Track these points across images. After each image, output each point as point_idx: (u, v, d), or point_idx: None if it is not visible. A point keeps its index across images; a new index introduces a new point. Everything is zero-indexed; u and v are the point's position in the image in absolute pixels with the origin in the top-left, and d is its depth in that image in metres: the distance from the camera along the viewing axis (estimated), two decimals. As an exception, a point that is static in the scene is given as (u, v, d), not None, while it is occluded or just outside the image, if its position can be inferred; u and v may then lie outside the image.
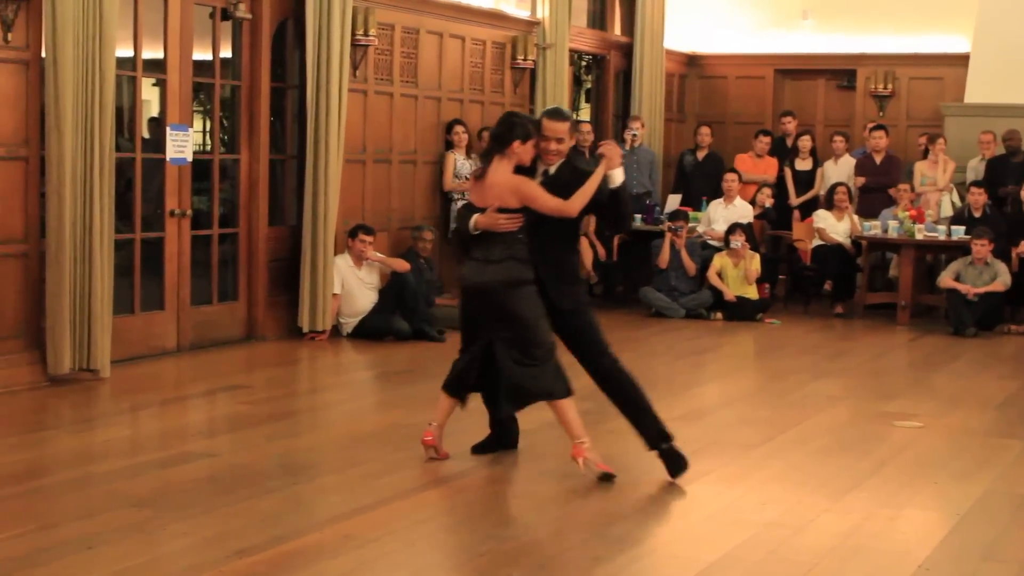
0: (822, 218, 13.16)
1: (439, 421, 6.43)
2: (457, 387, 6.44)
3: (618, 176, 6.17)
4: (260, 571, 4.78)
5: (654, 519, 5.78)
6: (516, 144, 6.13)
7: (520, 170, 6.19)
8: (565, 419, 6.12)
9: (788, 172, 14.15)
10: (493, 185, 6.13)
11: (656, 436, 6.27)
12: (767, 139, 14.34)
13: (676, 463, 6.22)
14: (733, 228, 12.48)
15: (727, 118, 16.26)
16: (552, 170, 6.23)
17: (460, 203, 11.75)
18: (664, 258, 12.46)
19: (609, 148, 6.24)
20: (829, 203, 13.31)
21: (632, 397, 6.31)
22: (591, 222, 12.26)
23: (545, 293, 6.18)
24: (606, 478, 6.08)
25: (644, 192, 13.56)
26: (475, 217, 6.21)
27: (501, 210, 6.10)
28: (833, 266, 12.94)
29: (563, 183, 6.15)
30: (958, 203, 13.42)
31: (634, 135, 13.68)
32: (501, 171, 6.15)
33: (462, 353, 6.43)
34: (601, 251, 12.95)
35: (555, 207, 6.07)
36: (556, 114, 6.31)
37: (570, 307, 6.24)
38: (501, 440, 6.65)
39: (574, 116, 6.25)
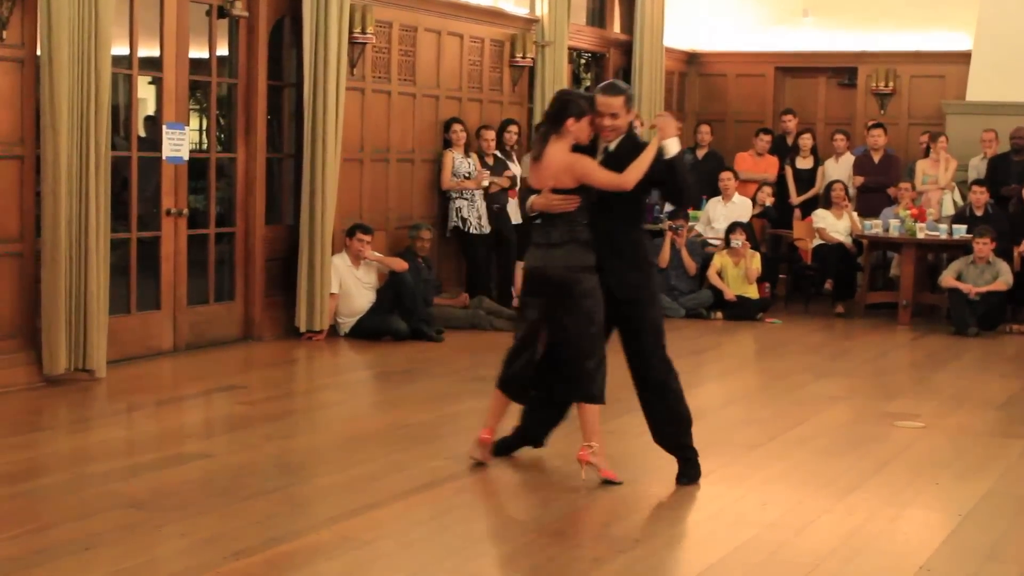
0: (821, 217, 13.17)
1: (493, 424, 6.33)
2: (513, 387, 6.33)
3: (673, 146, 6.00)
4: (257, 572, 4.78)
5: (654, 520, 5.77)
6: (570, 122, 6.01)
7: (581, 149, 6.07)
8: (588, 420, 6.07)
9: (789, 170, 14.16)
10: (548, 165, 6.03)
11: (678, 447, 6.24)
12: (767, 137, 14.34)
13: (690, 471, 6.18)
14: (733, 227, 12.48)
15: (727, 116, 16.26)
16: (612, 146, 6.09)
17: (458, 202, 11.77)
18: (664, 257, 12.46)
19: (663, 119, 6.10)
20: (826, 202, 13.33)
21: (674, 414, 6.21)
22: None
23: (605, 280, 6.04)
24: (608, 483, 6.07)
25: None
26: (531, 199, 6.13)
27: (557, 191, 5.99)
28: (834, 265, 12.95)
29: (624, 158, 6.01)
30: (960, 202, 13.42)
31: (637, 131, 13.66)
32: (556, 150, 6.03)
33: (518, 348, 6.27)
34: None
35: (609, 181, 5.96)
36: (610, 88, 6.15)
37: (631, 297, 6.08)
38: (528, 437, 6.53)
39: (630, 90, 6.23)
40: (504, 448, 6.51)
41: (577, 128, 6.01)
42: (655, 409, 6.22)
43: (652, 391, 6.18)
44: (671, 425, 6.23)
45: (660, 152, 5.96)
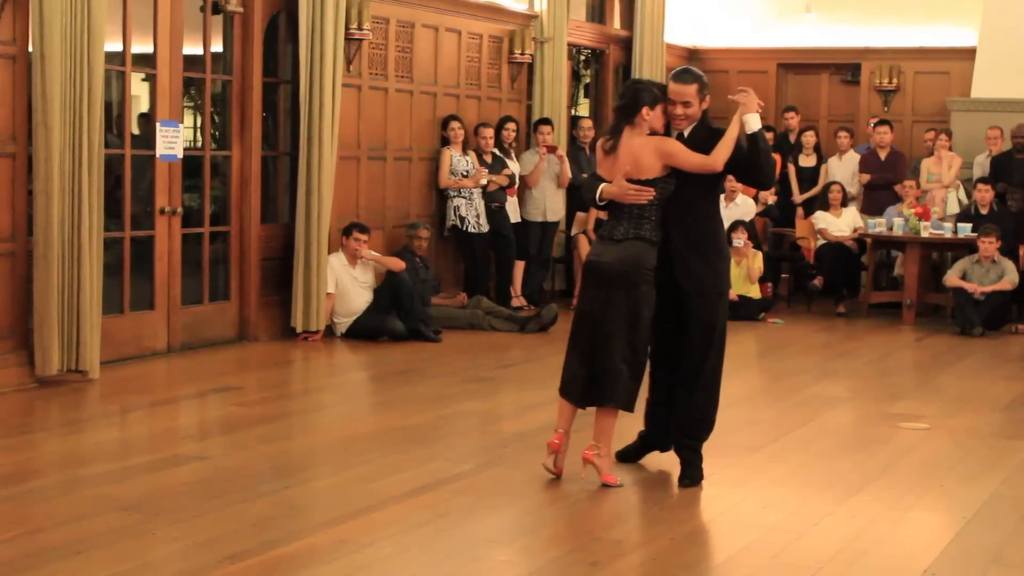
0: (821, 219, 13.19)
1: (564, 427, 6.14)
2: (572, 391, 6.15)
3: (754, 122, 5.96)
4: (252, 576, 4.79)
5: (655, 523, 5.77)
6: (645, 111, 5.96)
7: None
8: (605, 424, 6.02)
9: (792, 169, 14.16)
10: (628, 154, 5.94)
11: (690, 448, 6.19)
12: (769, 135, 14.32)
13: (693, 473, 6.15)
14: (735, 226, 12.48)
15: (729, 113, 16.09)
16: (686, 133, 6.04)
17: (456, 200, 11.77)
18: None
19: (746, 95, 6.03)
20: (824, 203, 13.34)
21: (701, 412, 6.17)
22: (591, 219, 12.27)
23: (674, 272, 5.97)
24: (606, 486, 6.07)
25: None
26: (602, 186, 6.03)
27: (633, 182, 5.93)
28: (837, 265, 12.95)
29: (699, 146, 5.96)
30: (964, 200, 13.44)
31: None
32: (636, 139, 5.98)
33: (572, 350, 6.13)
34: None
35: (699, 163, 5.91)
36: (682, 76, 6.06)
37: (702, 291, 6.02)
38: (648, 443, 6.43)
39: (704, 77, 6.10)
40: (627, 456, 6.42)
41: (652, 116, 5.97)
42: (683, 403, 6.16)
43: (697, 389, 6.12)
44: (693, 422, 6.17)
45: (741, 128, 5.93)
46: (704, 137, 5.99)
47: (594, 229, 12.74)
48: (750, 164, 6.05)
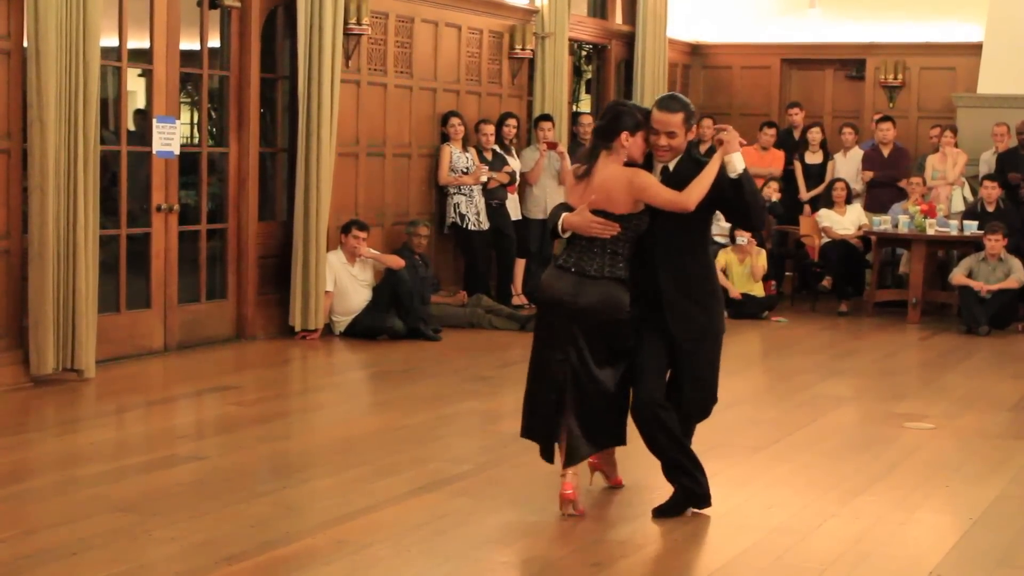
0: (825, 216, 13.19)
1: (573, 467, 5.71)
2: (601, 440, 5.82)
3: (738, 163, 5.51)
4: (250, 578, 4.79)
5: (656, 523, 5.77)
6: (624, 136, 5.53)
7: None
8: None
9: (798, 165, 14.16)
10: (599, 184, 5.51)
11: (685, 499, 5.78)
12: (772, 131, 14.34)
13: (673, 509, 5.74)
14: (738, 223, 12.48)
15: (732, 109, 16.24)
16: (672, 166, 5.60)
17: (456, 197, 11.78)
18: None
19: (727, 133, 5.55)
20: (828, 201, 13.34)
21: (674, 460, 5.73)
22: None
23: (665, 319, 5.57)
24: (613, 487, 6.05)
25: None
26: (564, 216, 5.60)
27: (599, 214, 5.51)
28: (841, 263, 12.95)
29: (686, 180, 5.52)
30: (970, 197, 13.43)
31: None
32: (609, 167, 5.55)
33: (544, 392, 5.70)
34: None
35: (670, 199, 5.45)
36: (667, 104, 5.59)
37: (693, 339, 5.61)
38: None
39: (691, 106, 5.62)
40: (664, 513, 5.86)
41: (632, 143, 5.54)
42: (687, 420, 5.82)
43: (696, 415, 5.84)
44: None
45: (723, 169, 5.50)
46: (691, 172, 5.54)
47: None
48: (738, 207, 5.65)
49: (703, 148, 14.28)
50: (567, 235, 5.64)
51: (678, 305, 5.57)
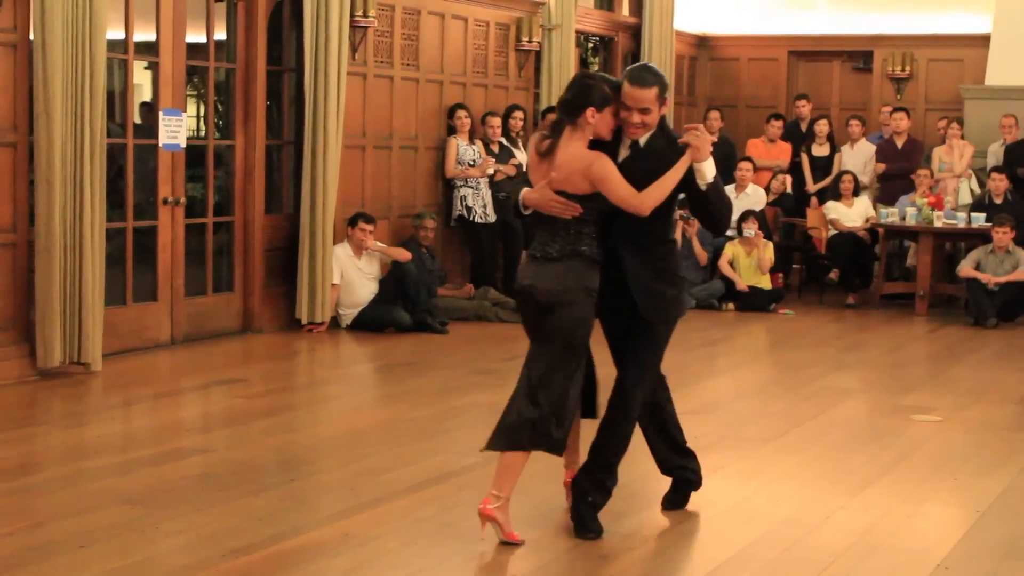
0: (832, 209, 13.17)
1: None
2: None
3: (708, 171, 5.12)
4: (257, 570, 4.79)
5: (664, 517, 5.77)
6: (590, 112, 5.09)
7: (599, 145, 5.17)
8: (515, 470, 5.20)
9: (805, 158, 14.15)
10: (561, 163, 5.09)
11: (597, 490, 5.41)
12: (779, 123, 14.33)
13: (584, 525, 5.33)
14: (746, 215, 12.48)
15: (739, 102, 16.24)
16: (643, 142, 5.21)
17: (463, 190, 11.77)
18: (674, 247, 12.47)
19: (697, 137, 5.10)
20: (835, 193, 13.33)
21: (612, 447, 5.38)
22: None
23: (622, 298, 5.22)
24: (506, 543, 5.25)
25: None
26: (524, 191, 5.22)
27: (561, 193, 5.11)
28: (848, 255, 12.94)
29: (657, 156, 5.15)
30: (977, 190, 13.41)
31: None
32: (572, 146, 5.12)
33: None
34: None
35: (626, 198, 5.05)
36: (641, 77, 5.12)
37: (656, 318, 5.27)
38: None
39: (665, 78, 5.18)
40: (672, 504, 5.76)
41: (599, 120, 5.11)
42: (608, 432, 5.39)
43: (621, 412, 5.35)
44: (610, 453, 5.40)
45: (691, 174, 5.13)
46: (662, 148, 5.18)
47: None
48: (705, 214, 5.32)
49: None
50: (528, 212, 5.23)
51: (651, 288, 5.24)
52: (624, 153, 5.21)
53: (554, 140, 5.16)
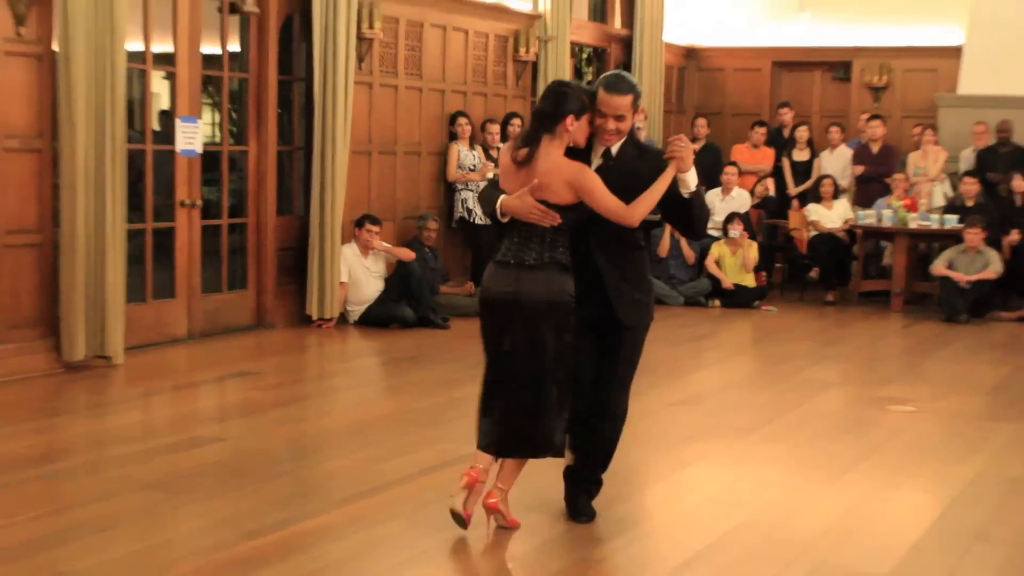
0: (813, 211, 13.19)
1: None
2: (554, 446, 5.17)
3: (691, 180, 5.01)
4: (270, 552, 4.81)
5: (653, 502, 5.79)
6: (569, 120, 4.90)
7: (574, 153, 5.01)
8: (518, 469, 5.20)
9: (786, 162, 14.16)
10: (543, 172, 4.90)
11: (595, 481, 5.40)
12: (762, 129, 14.34)
13: (590, 510, 5.36)
14: (731, 217, 12.51)
15: (725, 110, 16.23)
16: (615, 150, 5.06)
17: (464, 193, 11.78)
18: (664, 247, 12.50)
19: (680, 148, 4.99)
20: (816, 196, 13.34)
21: (611, 447, 5.34)
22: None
23: (598, 304, 5.06)
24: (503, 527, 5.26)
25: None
26: (504, 198, 5.02)
27: (541, 202, 4.94)
28: (828, 255, 12.96)
29: (628, 163, 5.03)
30: (950, 193, 13.43)
31: (638, 128, 13.66)
32: (553, 156, 4.93)
33: (496, 398, 5.11)
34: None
35: (614, 210, 4.90)
36: (617, 85, 4.97)
37: (634, 323, 5.12)
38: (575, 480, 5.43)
39: (638, 86, 5.05)
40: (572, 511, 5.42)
41: (576, 128, 4.94)
42: (598, 438, 5.29)
43: (610, 420, 5.26)
44: (604, 457, 5.37)
45: (674, 184, 5.01)
46: (632, 156, 5.06)
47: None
48: (684, 221, 5.19)
49: (697, 147, 14.36)
50: (506, 219, 5.06)
51: (625, 294, 5.08)
52: (597, 161, 5.06)
53: (532, 149, 4.94)
